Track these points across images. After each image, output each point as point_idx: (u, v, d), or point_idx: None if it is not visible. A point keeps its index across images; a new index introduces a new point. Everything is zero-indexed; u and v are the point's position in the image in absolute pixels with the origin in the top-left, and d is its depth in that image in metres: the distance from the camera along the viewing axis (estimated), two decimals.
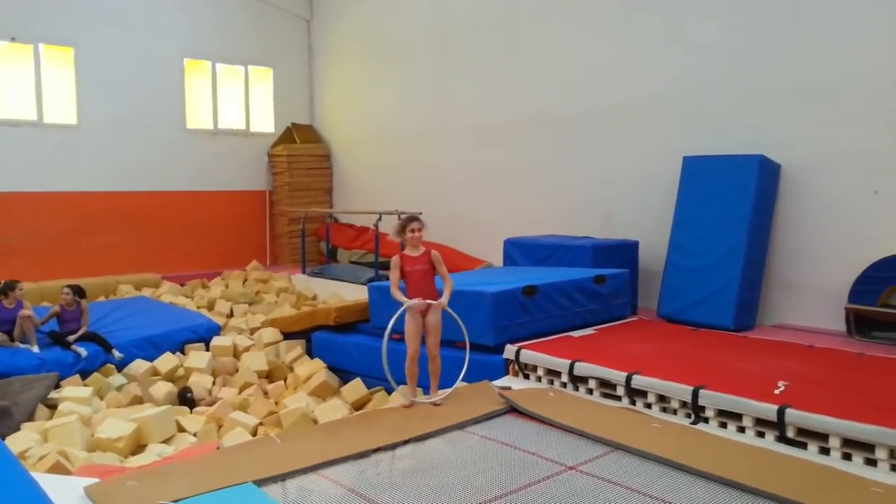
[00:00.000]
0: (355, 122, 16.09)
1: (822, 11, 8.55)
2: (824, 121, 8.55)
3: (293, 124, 16.65)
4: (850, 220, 8.38)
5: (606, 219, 10.83)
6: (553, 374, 6.77)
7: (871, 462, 4.72)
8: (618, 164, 10.71)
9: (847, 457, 4.84)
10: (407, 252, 6.07)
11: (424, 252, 6.02)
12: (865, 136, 8.22)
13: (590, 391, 6.44)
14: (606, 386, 6.35)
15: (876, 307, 8.00)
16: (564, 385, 6.65)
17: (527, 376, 7.02)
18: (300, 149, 16.19)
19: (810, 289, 8.74)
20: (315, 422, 7.06)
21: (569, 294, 8.00)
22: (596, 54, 10.93)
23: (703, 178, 9.16)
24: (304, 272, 13.96)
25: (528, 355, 6.96)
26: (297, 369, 9.08)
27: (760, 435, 5.27)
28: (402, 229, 6.00)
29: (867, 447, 4.74)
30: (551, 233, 11.14)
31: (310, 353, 9.51)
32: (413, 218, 6.12)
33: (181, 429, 7.06)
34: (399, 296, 5.96)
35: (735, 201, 8.73)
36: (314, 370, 8.82)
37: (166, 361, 8.99)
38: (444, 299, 5.95)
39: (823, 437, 4.94)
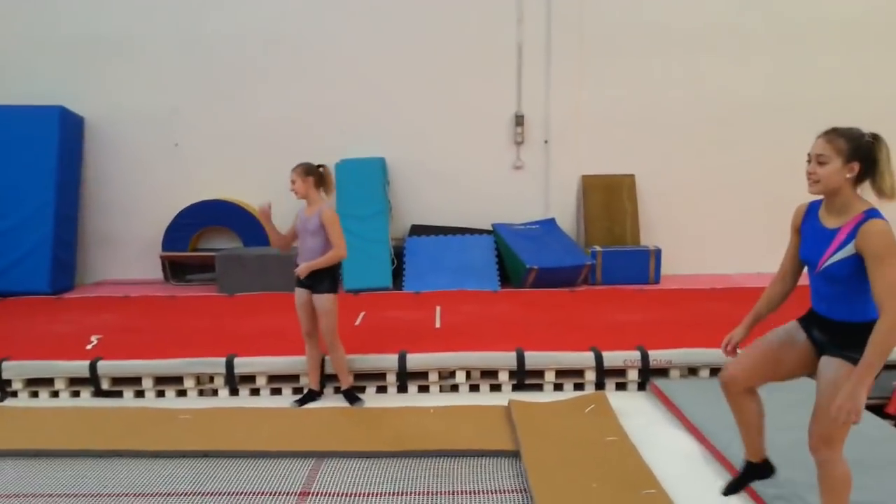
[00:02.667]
0: None
1: None
2: (120, 74, 8.60)
3: None
4: (155, 172, 8.74)
5: None
6: None
7: (182, 393, 5.05)
8: None
9: (161, 394, 5.06)
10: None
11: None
12: (161, 91, 8.61)
13: None
14: None
15: (187, 252, 8.63)
16: None
17: None
18: None
19: (127, 242, 8.84)
20: None
21: None
22: None
23: None
24: None
25: None
26: None
27: (76, 395, 5.06)
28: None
29: (177, 380, 5.04)
30: None
31: None
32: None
33: None
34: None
35: (38, 155, 8.07)
36: None
37: None
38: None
39: (138, 380, 5.04)
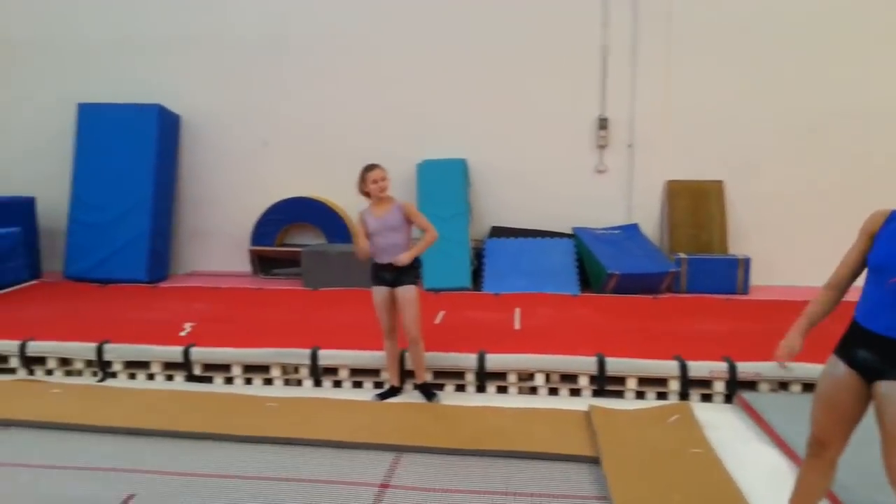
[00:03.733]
0: None
1: None
2: (216, 73, 8.95)
3: None
4: (245, 168, 9.06)
5: None
6: None
7: (269, 382, 5.23)
8: (2, 110, 9.30)
9: (249, 382, 5.25)
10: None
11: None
12: (253, 90, 8.91)
13: None
14: None
15: (274, 247, 8.91)
16: None
17: None
18: None
19: (218, 235, 9.20)
20: None
21: None
22: None
23: (101, 127, 8.64)
24: None
25: None
26: None
27: (170, 379, 5.31)
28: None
29: (264, 369, 5.22)
30: None
31: None
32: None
33: None
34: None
35: (138, 152, 8.52)
36: None
37: None
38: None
39: (227, 367, 5.24)
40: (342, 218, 8.70)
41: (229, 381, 5.25)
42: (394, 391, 4.89)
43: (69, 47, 9.05)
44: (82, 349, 5.32)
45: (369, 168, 4.60)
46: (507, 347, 5.12)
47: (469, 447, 3.99)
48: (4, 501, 3.49)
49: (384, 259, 4.62)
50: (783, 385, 4.83)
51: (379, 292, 4.68)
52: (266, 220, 8.84)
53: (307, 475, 3.72)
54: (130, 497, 3.50)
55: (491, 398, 4.91)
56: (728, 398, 4.82)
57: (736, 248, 8.26)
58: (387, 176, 4.61)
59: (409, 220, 4.61)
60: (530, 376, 4.99)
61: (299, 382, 5.21)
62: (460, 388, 5.06)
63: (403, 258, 4.52)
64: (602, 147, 8.59)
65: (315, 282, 7.85)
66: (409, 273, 4.61)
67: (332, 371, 5.16)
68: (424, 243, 4.61)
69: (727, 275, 7.80)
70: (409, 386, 5.02)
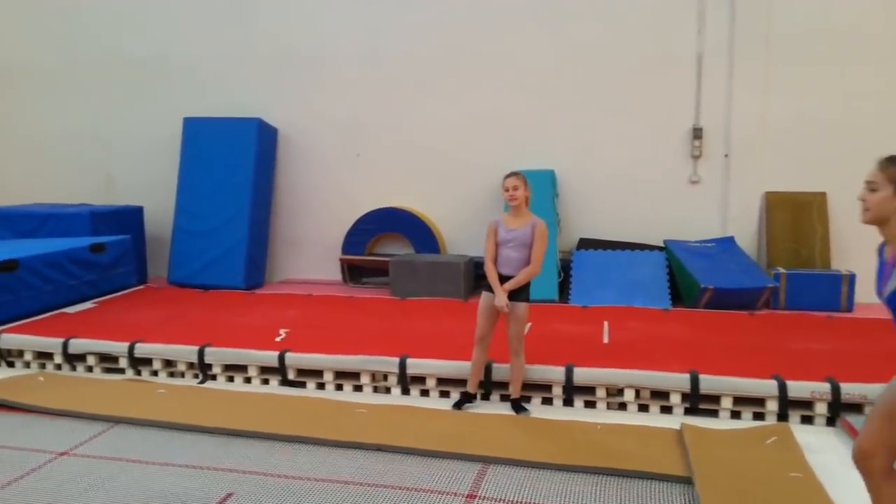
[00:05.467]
0: None
1: None
2: (311, 87, 9.26)
3: None
4: (337, 179, 9.31)
5: (106, 183, 10.00)
6: (44, 356, 5.98)
7: (359, 388, 5.35)
8: (115, 123, 9.93)
9: (339, 387, 5.39)
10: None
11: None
12: (345, 103, 9.16)
13: (89, 368, 5.88)
14: (108, 360, 5.88)
15: (364, 256, 9.11)
16: (59, 367, 5.93)
17: (11, 364, 6.05)
18: None
19: (310, 244, 9.49)
20: None
21: (61, 266, 7.13)
22: (84, 5, 9.86)
23: (204, 140, 9.09)
24: None
25: (9, 339, 6.00)
26: None
27: (265, 382, 5.51)
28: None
29: (354, 376, 5.35)
30: (36, 201, 9.83)
31: None
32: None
33: None
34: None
35: (237, 163, 8.90)
36: None
37: None
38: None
39: (319, 373, 5.40)
40: (430, 228, 8.81)
41: (321, 386, 5.40)
42: (468, 398, 4.91)
43: (178, 64, 9.57)
44: (185, 352, 5.61)
45: (507, 175, 4.66)
46: (595, 361, 5.04)
47: (556, 461, 3.96)
48: (116, 494, 3.71)
49: (503, 270, 4.66)
50: None
51: (487, 298, 4.72)
52: (356, 229, 9.06)
53: (395, 482, 3.79)
54: (229, 495, 3.65)
55: (579, 412, 4.85)
56: (831, 421, 4.59)
57: (839, 264, 7.85)
58: (520, 185, 4.61)
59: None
60: (619, 391, 4.90)
61: (388, 390, 5.30)
62: (547, 401, 5.03)
63: (505, 290, 4.54)
64: (696, 157, 8.36)
65: (402, 290, 7.97)
66: (522, 289, 4.64)
67: (419, 380, 5.22)
68: (523, 276, 4.59)
69: (830, 291, 7.42)
70: (496, 396, 5.03)
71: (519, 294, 4.62)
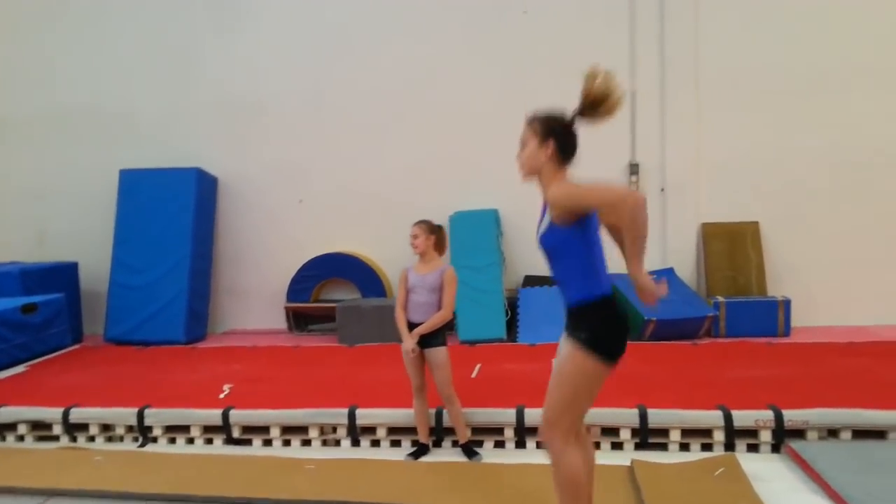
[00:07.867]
0: None
1: (241, 34, 9.19)
2: (251, 134, 9.19)
3: None
4: (280, 226, 9.21)
5: (38, 239, 9.66)
6: None
7: (307, 443, 5.21)
8: (47, 176, 9.65)
9: (287, 443, 5.24)
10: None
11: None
12: (287, 149, 9.12)
13: (20, 438, 5.58)
14: (41, 427, 5.58)
15: (310, 303, 8.98)
16: None
17: None
18: None
19: (254, 293, 9.32)
20: None
21: None
22: (13, 55, 9.63)
23: (141, 191, 8.91)
24: None
25: None
26: None
27: (209, 442, 5.32)
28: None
29: (302, 430, 5.21)
30: None
31: None
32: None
33: None
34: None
35: (176, 214, 8.73)
36: None
37: None
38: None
39: (266, 429, 5.25)
40: (376, 272, 8.76)
41: (268, 443, 5.25)
42: (423, 449, 4.84)
43: (113, 114, 9.40)
44: (124, 415, 5.38)
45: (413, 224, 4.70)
46: (545, 400, 5.02)
47: None
48: None
49: (415, 317, 4.62)
50: (832, 433, 4.68)
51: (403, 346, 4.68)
52: (301, 276, 8.94)
53: None
54: None
55: (532, 454, 4.82)
56: (776, 447, 4.67)
57: (774, 290, 8.09)
58: (420, 234, 4.64)
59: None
60: None
61: (337, 443, 5.18)
62: (499, 444, 4.99)
63: (414, 335, 4.53)
64: None
65: (350, 337, 7.87)
66: (436, 335, 4.60)
67: (370, 430, 5.12)
68: (436, 319, 4.56)
69: (767, 317, 7.64)
70: (447, 443, 4.97)
71: (435, 339, 4.58)
